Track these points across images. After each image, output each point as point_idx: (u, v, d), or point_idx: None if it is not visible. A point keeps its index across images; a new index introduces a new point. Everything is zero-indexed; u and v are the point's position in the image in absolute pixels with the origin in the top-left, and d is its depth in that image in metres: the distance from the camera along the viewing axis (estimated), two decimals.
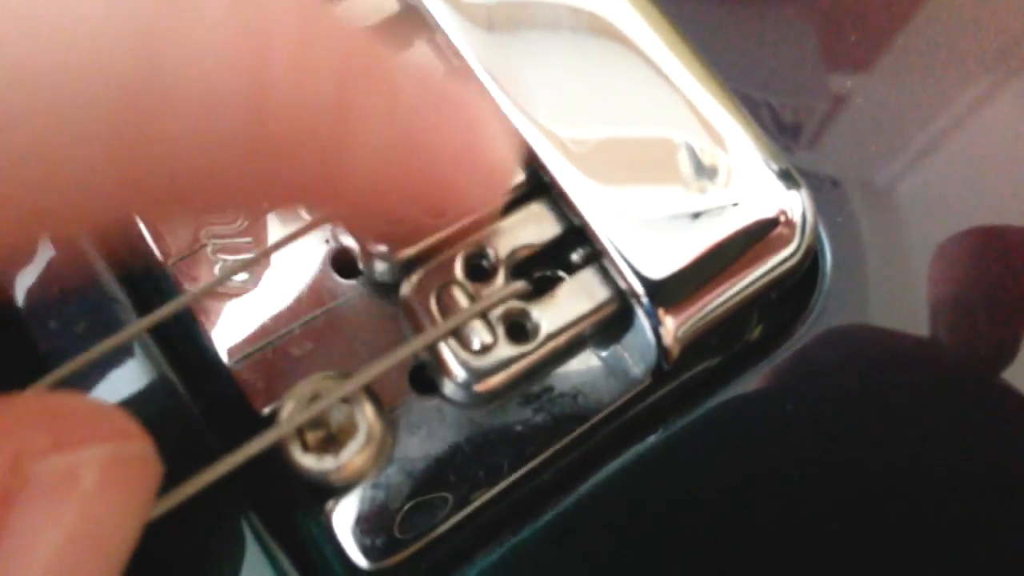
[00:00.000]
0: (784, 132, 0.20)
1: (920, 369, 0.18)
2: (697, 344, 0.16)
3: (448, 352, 0.15)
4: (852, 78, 0.21)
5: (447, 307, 0.15)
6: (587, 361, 0.17)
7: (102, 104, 0.09)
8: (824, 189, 0.19)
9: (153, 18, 0.09)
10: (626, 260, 0.15)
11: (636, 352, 0.16)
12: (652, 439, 0.17)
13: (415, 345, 0.14)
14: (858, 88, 0.20)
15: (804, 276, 0.17)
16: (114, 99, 0.09)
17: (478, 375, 0.15)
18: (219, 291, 0.17)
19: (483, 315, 0.15)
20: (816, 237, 0.17)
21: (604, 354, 0.17)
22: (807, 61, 0.21)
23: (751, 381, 0.17)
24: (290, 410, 0.15)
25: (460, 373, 0.15)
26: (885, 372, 0.18)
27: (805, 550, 0.17)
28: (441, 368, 0.15)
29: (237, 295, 0.17)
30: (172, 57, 0.09)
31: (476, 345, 0.15)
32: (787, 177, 0.16)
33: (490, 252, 0.15)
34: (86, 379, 0.17)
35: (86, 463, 0.11)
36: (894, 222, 0.19)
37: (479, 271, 0.15)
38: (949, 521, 0.17)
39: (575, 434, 0.16)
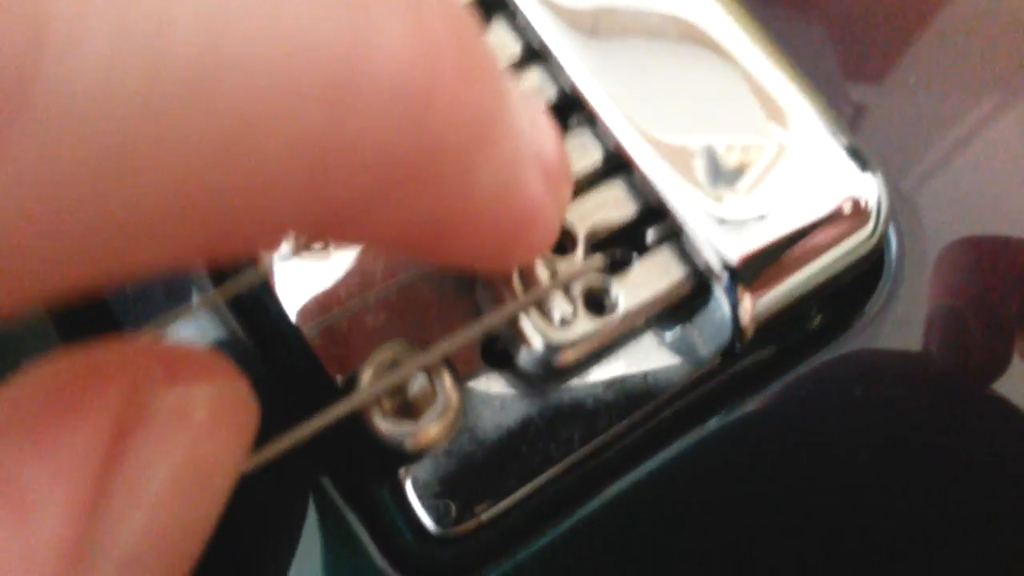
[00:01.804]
0: (850, 124, 0.20)
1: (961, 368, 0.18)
2: (768, 326, 0.16)
3: (529, 324, 0.15)
4: (914, 73, 0.21)
5: (528, 280, 0.15)
6: (656, 340, 0.17)
7: (302, 109, 0.08)
8: (890, 181, 0.19)
9: (354, 22, 0.09)
10: (707, 238, 0.15)
11: (707, 332, 0.17)
12: (717, 419, 0.17)
13: (499, 315, 0.15)
14: (920, 82, 0.21)
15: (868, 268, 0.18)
16: (312, 106, 0.08)
17: (558, 348, 0.15)
18: (294, 258, 0.18)
19: (564, 288, 0.15)
20: (888, 222, 0.17)
21: (674, 335, 0.17)
22: (867, 57, 0.21)
23: (816, 366, 0.18)
24: (369, 376, 0.16)
25: (540, 345, 0.15)
26: (953, 361, 0.18)
27: (869, 531, 0.17)
28: (520, 339, 0.15)
29: (311, 263, 0.18)
30: (364, 62, 0.09)
31: (556, 318, 0.15)
32: (863, 162, 0.16)
33: (570, 228, 0.16)
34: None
35: (197, 398, 0.11)
36: (956, 216, 0.19)
37: (559, 246, 0.16)
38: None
39: (644, 411, 0.17)
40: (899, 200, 0.19)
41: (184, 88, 0.08)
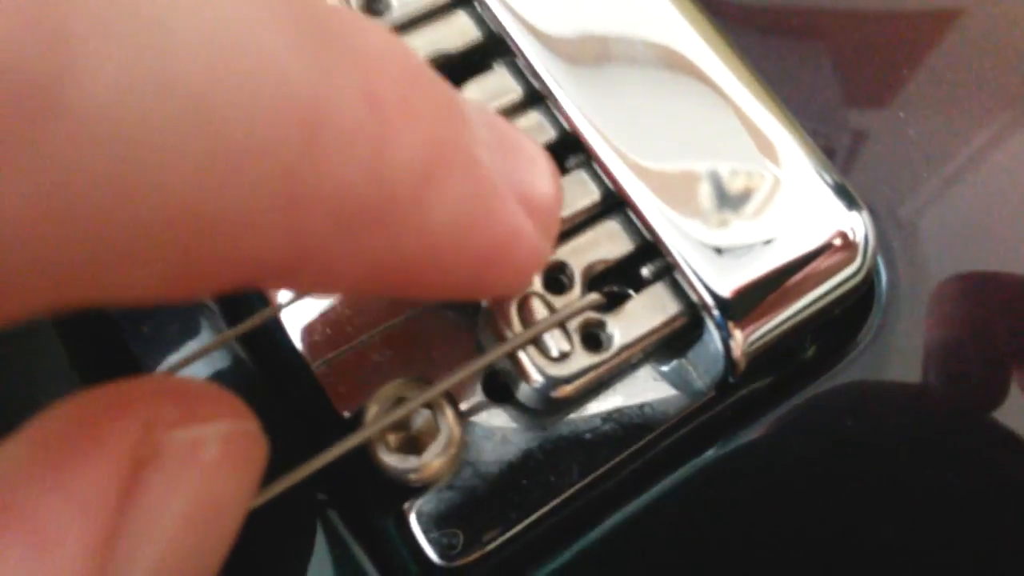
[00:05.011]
0: (839, 160, 0.20)
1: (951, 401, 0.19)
2: (761, 359, 0.16)
3: (527, 359, 0.16)
4: (904, 108, 0.21)
5: (527, 317, 0.16)
6: (653, 373, 0.18)
7: (280, 143, 0.09)
8: (880, 216, 0.20)
9: (320, 74, 0.10)
10: (698, 275, 0.16)
11: (701, 365, 0.17)
12: (714, 450, 0.18)
13: (498, 351, 0.15)
14: (912, 118, 0.21)
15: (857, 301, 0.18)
16: (288, 140, 0.09)
17: (556, 382, 0.15)
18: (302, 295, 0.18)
19: (561, 325, 0.16)
20: (876, 258, 0.17)
21: (669, 367, 0.18)
22: (858, 92, 0.22)
23: (810, 397, 0.18)
24: (375, 412, 0.16)
25: (539, 379, 0.15)
26: (951, 392, 0.18)
27: (860, 562, 0.17)
28: (520, 374, 0.16)
29: (319, 300, 0.18)
30: (326, 109, 0.10)
31: (554, 353, 0.16)
32: (849, 199, 0.17)
33: (568, 266, 0.16)
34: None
35: (209, 437, 0.11)
36: (944, 246, 0.20)
37: (557, 284, 0.16)
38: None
39: (642, 443, 0.17)
40: (892, 232, 0.20)
41: (185, 110, 0.09)
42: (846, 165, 0.20)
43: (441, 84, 0.12)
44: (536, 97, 0.18)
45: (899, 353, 0.19)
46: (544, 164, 0.14)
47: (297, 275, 0.11)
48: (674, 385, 0.18)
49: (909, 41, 0.22)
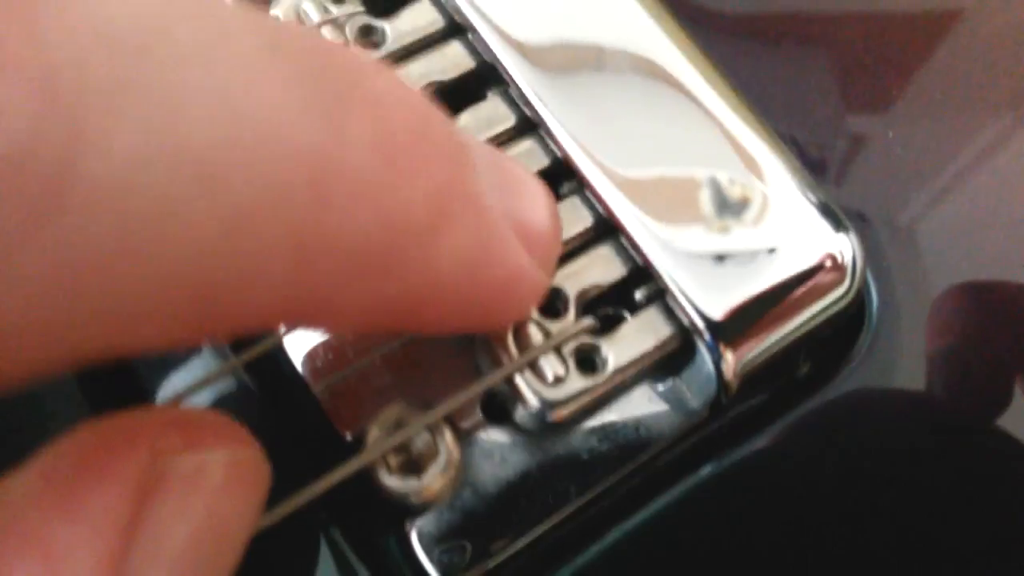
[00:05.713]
0: (829, 173, 0.21)
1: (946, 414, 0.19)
2: (753, 379, 0.17)
3: (524, 383, 0.16)
4: (893, 120, 0.22)
5: (523, 342, 0.16)
6: (648, 394, 0.18)
7: (289, 201, 0.10)
8: (870, 230, 0.20)
9: (327, 128, 0.10)
10: (688, 299, 0.16)
11: (695, 386, 0.18)
12: (708, 468, 0.18)
13: (495, 376, 0.16)
14: (900, 129, 0.22)
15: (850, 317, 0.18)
16: (297, 198, 0.10)
17: (552, 405, 0.16)
18: None
19: (556, 349, 0.16)
20: (865, 279, 0.18)
21: (664, 388, 0.18)
22: (847, 108, 0.22)
23: (804, 415, 0.18)
24: (376, 435, 0.17)
25: (535, 403, 0.16)
26: (954, 402, 0.18)
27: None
28: (517, 397, 0.16)
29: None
30: (334, 161, 0.10)
31: (550, 377, 0.16)
32: (836, 221, 0.17)
33: (562, 291, 0.17)
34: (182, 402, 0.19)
35: (213, 463, 0.12)
36: (938, 262, 0.20)
37: (552, 309, 0.17)
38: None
39: (637, 461, 0.18)
40: (883, 249, 0.20)
41: (195, 179, 0.09)
42: (835, 182, 0.21)
43: (448, 125, 0.12)
44: (529, 125, 0.18)
45: (892, 369, 0.19)
46: (543, 198, 0.14)
47: (306, 319, 0.11)
48: (669, 405, 0.18)
49: (898, 55, 0.23)
